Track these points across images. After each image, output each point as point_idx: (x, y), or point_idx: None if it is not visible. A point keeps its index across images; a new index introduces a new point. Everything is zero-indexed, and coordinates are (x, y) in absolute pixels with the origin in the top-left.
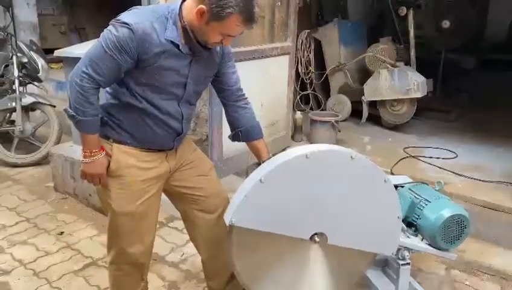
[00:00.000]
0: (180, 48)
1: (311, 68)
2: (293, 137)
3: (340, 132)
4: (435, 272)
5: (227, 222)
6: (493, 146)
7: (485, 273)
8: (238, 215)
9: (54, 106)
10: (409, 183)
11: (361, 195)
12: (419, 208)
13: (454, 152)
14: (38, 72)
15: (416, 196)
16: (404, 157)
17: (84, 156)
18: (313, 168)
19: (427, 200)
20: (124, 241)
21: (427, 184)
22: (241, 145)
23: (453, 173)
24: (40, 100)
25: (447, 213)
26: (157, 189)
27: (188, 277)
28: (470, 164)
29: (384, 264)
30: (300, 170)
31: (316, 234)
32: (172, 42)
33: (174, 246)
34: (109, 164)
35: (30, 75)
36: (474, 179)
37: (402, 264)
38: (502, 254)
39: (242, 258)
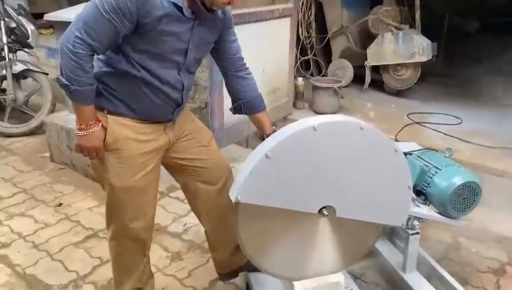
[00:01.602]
0: (183, 11)
1: (312, 32)
2: (294, 104)
3: (343, 98)
4: (441, 240)
5: (232, 199)
6: (497, 111)
7: (492, 240)
8: (243, 192)
9: (47, 74)
10: (417, 150)
11: (371, 166)
12: (429, 176)
13: (459, 118)
14: (28, 38)
15: (426, 163)
16: (408, 124)
17: (80, 129)
18: (321, 140)
19: (437, 168)
20: (125, 217)
21: (436, 151)
22: None
23: (459, 139)
24: (32, 67)
25: (458, 181)
26: (157, 162)
27: (191, 247)
28: (474, 130)
29: (391, 234)
30: (308, 142)
31: (324, 207)
32: (175, 4)
33: (175, 216)
34: (105, 137)
35: (19, 41)
36: (480, 145)
37: (411, 234)
38: (507, 220)
39: (248, 233)
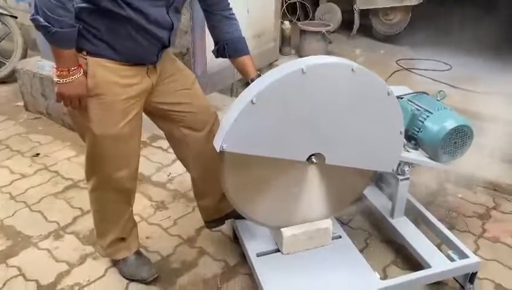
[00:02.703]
0: None
1: None
2: (280, 50)
3: (331, 43)
4: (428, 186)
5: (217, 148)
6: (487, 56)
7: (478, 185)
8: (229, 141)
9: (16, 17)
10: (408, 94)
11: (362, 110)
12: (421, 120)
13: (448, 64)
14: None
15: (417, 107)
16: (397, 70)
17: (60, 76)
18: (310, 84)
19: (429, 112)
20: (109, 167)
21: (427, 94)
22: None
23: (448, 85)
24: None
25: (450, 124)
26: (140, 108)
27: (176, 196)
28: (464, 76)
29: (379, 179)
30: (296, 86)
31: (313, 155)
32: None
33: (159, 165)
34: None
35: None
36: (469, 90)
37: (401, 180)
38: (494, 166)
39: (234, 182)
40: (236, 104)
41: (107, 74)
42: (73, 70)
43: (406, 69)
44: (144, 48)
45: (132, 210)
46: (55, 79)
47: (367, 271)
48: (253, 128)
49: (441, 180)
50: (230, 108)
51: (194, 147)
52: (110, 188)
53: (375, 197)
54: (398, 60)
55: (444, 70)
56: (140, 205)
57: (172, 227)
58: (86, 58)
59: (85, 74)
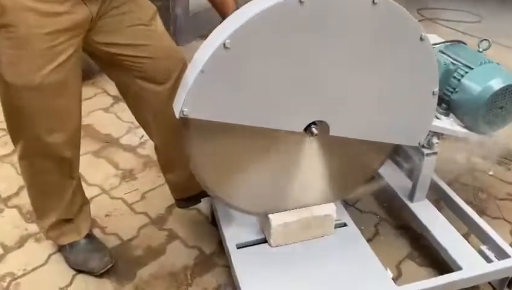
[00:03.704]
0: None
1: None
2: None
3: None
4: (452, 160)
5: (177, 114)
6: None
7: None
8: (192, 103)
9: None
10: (441, 43)
11: (384, 61)
12: (457, 78)
13: (477, 15)
14: None
15: (453, 60)
16: (419, 20)
17: None
18: (311, 20)
19: (468, 66)
20: (38, 128)
21: (464, 43)
22: None
23: (480, 38)
24: None
25: (497, 84)
26: (76, 48)
27: (147, 164)
28: (497, 28)
29: (394, 151)
30: (289, 24)
31: (313, 123)
32: None
33: (131, 126)
34: None
35: None
36: (505, 46)
37: (427, 154)
38: None
39: (204, 158)
40: (203, 49)
41: None
42: None
43: (429, 19)
44: None
45: (79, 185)
46: None
47: (378, 271)
48: (226, 85)
49: (467, 153)
50: (195, 56)
51: (155, 106)
52: (42, 155)
53: (390, 174)
54: (420, 10)
55: (472, 22)
56: (103, 174)
57: (138, 202)
58: None
59: None
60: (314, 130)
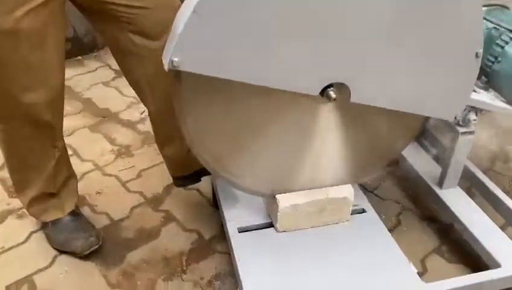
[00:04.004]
0: None
1: None
2: None
3: None
4: (485, 147)
5: (166, 65)
6: None
7: None
8: (184, 51)
9: None
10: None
11: (418, 13)
12: (500, 45)
13: None
14: None
15: (496, 25)
16: None
17: None
18: None
19: None
20: (12, 85)
21: (507, 8)
22: None
23: None
24: None
25: None
26: None
27: (147, 140)
28: None
29: (421, 135)
30: None
31: (330, 86)
32: None
33: (133, 101)
34: None
35: None
36: None
37: (462, 133)
38: None
39: (199, 125)
40: None
41: None
42: None
43: None
44: None
45: (65, 156)
46: None
47: (402, 265)
48: (225, 29)
49: (501, 140)
50: None
51: (148, 65)
52: (19, 117)
53: (415, 157)
54: None
55: None
56: (98, 149)
57: (134, 180)
58: None
59: None
60: (332, 93)
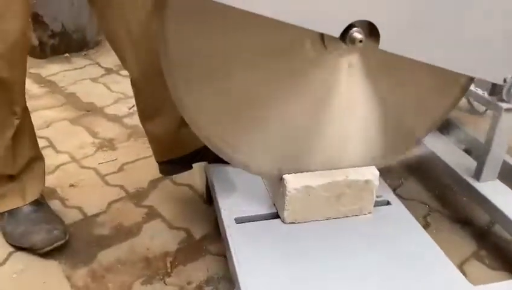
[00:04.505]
0: None
1: None
2: None
3: None
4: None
5: None
6: None
7: None
8: None
9: None
10: None
11: None
12: None
13: None
14: None
15: None
16: None
17: None
18: None
19: None
20: None
21: None
22: None
23: None
24: None
25: None
26: None
27: (133, 135)
28: None
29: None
30: None
31: (353, 25)
32: None
33: (120, 96)
34: None
35: None
36: None
37: (506, 110)
38: None
39: (189, 78)
40: None
41: None
42: None
43: None
44: None
45: (28, 130)
46: None
47: (444, 265)
48: None
49: None
50: None
51: (129, 14)
52: None
53: (443, 151)
54: None
55: None
56: (77, 141)
57: (115, 174)
58: None
59: None
60: (357, 34)
